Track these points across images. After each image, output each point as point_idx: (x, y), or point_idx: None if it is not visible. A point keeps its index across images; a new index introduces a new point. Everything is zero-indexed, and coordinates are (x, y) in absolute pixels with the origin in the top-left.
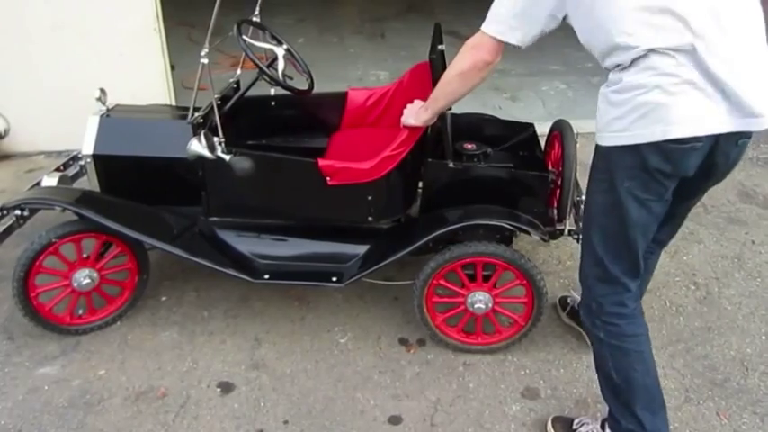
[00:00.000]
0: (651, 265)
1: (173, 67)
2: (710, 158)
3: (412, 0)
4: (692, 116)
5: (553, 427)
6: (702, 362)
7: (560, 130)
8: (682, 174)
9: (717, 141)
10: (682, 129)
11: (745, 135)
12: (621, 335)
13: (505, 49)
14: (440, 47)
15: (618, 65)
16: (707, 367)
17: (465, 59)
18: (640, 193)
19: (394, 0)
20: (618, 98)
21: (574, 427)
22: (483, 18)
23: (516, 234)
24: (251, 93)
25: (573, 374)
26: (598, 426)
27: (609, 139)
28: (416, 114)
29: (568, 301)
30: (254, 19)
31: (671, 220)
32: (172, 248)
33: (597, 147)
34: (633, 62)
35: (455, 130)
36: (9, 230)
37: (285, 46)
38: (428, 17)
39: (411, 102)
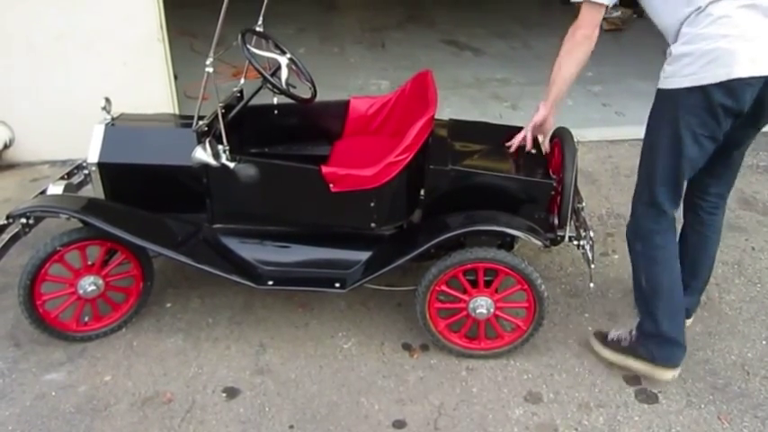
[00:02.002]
0: (718, 223)
1: (175, 77)
2: (761, 97)
3: (412, 10)
4: (750, 60)
5: (595, 337)
6: (704, 366)
7: (561, 138)
8: (740, 107)
9: (766, 82)
10: (742, 69)
11: None
12: (654, 247)
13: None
14: None
15: (687, 18)
16: (708, 372)
17: (568, 38)
18: (698, 129)
19: (394, 10)
20: (687, 48)
21: (609, 336)
22: (482, 27)
23: (517, 240)
24: (254, 101)
25: (575, 379)
26: (627, 332)
27: (678, 82)
28: (541, 108)
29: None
30: (258, 28)
31: (728, 169)
32: (176, 255)
33: (662, 91)
34: (700, 17)
35: (457, 137)
36: (15, 238)
37: (288, 55)
38: (428, 27)
39: (412, 110)
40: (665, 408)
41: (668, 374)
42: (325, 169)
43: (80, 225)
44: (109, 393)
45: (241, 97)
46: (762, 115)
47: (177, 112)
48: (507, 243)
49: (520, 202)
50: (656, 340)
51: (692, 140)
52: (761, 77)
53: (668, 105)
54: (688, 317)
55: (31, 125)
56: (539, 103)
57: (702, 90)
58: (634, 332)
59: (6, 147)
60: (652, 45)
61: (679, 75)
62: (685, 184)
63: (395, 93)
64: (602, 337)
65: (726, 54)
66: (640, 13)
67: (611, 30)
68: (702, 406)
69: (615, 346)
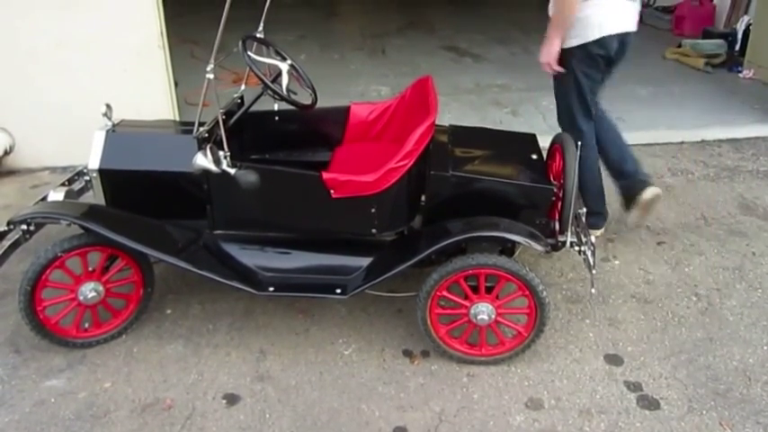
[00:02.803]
0: (609, 117)
1: (176, 83)
2: (622, 44)
3: (412, 17)
4: (613, 23)
5: None
6: (705, 372)
7: (561, 143)
8: (610, 54)
9: (626, 34)
10: (608, 29)
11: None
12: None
13: None
14: None
15: None
16: (710, 377)
17: None
18: (586, 68)
19: (394, 17)
20: (577, 16)
21: None
22: (482, 33)
23: (518, 246)
24: (255, 108)
25: (576, 385)
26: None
27: (572, 42)
28: (548, 43)
29: None
30: (259, 35)
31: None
32: (177, 261)
33: (563, 49)
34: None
35: (458, 142)
36: (15, 245)
37: (289, 61)
38: (428, 33)
39: (413, 116)
40: (666, 414)
41: (597, 233)
42: (325, 175)
43: (81, 231)
44: (109, 400)
45: (242, 103)
46: (620, 57)
47: (177, 118)
48: (508, 249)
49: (521, 207)
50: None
51: (584, 75)
52: (619, 33)
53: (566, 57)
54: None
55: (31, 131)
56: (548, 36)
57: (584, 46)
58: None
59: (7, 153)
60: (651, 50)
61: (571, 36)
62: (590, 102)
63: (395, 99)
64: None
65: (597, 20)
66: (639, 19)
67: None
68: (704, 412)
69: None
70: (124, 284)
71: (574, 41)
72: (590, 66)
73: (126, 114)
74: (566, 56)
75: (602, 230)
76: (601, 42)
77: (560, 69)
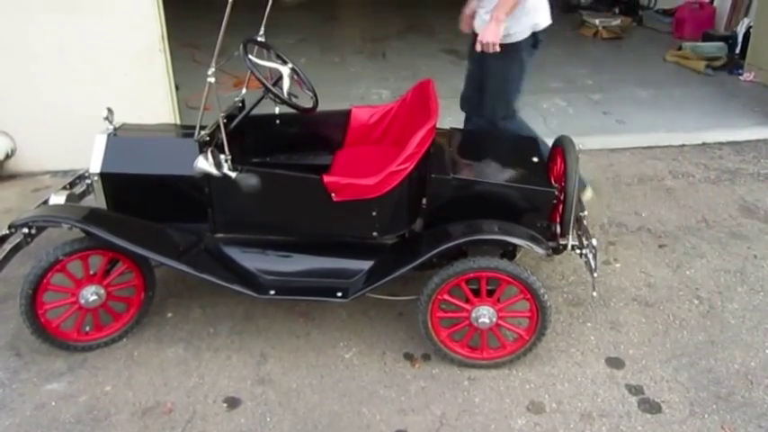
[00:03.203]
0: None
1: (177, 87)
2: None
3: (412, 20)
4: (547, 11)
5: None
6: (707, 375)
7: (562, 146)
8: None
9: None
10: (548, 16)
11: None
12: None
13: None
14: None
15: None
16: (711, 381)
17: None
18: (528, 56)
19: (394, 20)
20: (518, 14)
21: None
22: None
23: (519, 249)
24: (256, 111)
25: (577, 388)
26: None
27: (525, 33)
28: (496, 25)
29: None
30: (260, 39)
31: None
32: (177, 265)
33: (510, 45)
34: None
35: (459, 146)
36: (17, 248)
37: (290, 65)
38: (428, 37)
39: (414, 119)
40: (668, 417)
41: (586, 195)
42: (326, 179)
43: (82, 235)
44: (109, 403)
45: (243, 107)
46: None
47: (178, 122)
48: (510, 252)
49: (522, 210)
50: None
51: (528, 62)
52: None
53: (513, 50)
54: None
55: (32, 135)
56: (493, 21)
57: (535, 34)
58: None
59: (8, 157)
60: (652, 53)
61: (517, 29)
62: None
63: (396, 102)
64: None
65: (541, 9)
66: (640, 21)
67: (610, 38)
68: (706, 416)
69: None
70: (125, 288)
71: (528, 32)
72: (531, 53)
73: (127, 118)
74: (515, 47)
75: (591, 192)
76: (545, 29)
77: (498, 49)
